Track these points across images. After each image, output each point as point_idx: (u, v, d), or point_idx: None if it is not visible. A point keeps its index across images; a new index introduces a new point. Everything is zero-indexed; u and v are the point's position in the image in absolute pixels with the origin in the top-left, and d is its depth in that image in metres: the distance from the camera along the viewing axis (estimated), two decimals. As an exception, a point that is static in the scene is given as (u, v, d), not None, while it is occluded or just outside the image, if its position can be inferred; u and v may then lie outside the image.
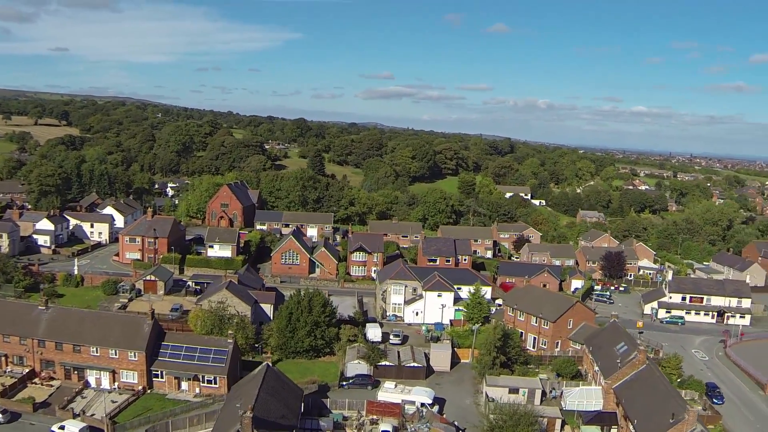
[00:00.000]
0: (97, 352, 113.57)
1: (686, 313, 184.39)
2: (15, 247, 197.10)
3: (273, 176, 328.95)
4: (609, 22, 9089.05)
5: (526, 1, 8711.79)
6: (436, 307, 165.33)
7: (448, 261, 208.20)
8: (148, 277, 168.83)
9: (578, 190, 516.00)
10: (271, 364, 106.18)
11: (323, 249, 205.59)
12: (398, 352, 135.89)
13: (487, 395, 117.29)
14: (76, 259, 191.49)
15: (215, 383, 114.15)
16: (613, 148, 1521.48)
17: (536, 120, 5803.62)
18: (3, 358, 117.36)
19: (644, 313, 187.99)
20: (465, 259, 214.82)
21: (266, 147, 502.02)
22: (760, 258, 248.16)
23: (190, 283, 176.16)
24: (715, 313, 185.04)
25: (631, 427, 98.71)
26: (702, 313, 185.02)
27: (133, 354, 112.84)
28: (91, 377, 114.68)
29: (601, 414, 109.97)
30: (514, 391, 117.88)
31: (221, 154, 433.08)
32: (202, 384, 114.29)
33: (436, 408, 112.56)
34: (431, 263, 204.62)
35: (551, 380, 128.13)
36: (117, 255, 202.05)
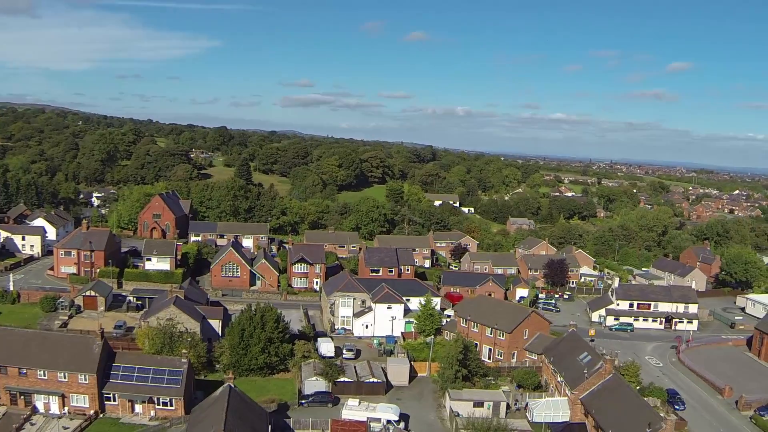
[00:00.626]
0: (45, 376, 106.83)
1: (634, 319, 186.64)
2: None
3: (203, 186, 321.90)
4: (527, 30, 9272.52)
5: (444, 9, 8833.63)
6: (387, 320, 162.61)
7: (390, 271, 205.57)
8: (87, 293, 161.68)
9: (506, 198, 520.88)
10: (233, 385, 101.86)
11: (263, 260, 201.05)
12: (355, 367, 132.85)
13: (451, 410, 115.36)
14: (11, 275, 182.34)
15: (171, 405, 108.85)
16: (532, 154, 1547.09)
17: (455, 127, 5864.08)
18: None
19: (593, 320, 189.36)
20: (407, 269, 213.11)
21: (191, 155, 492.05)
22: (698, 263, 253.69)
23: (131, 298, 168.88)
24: (663, 320, 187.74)
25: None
26: (650, 319, 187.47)
27: (83, 376, 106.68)
28: (39, 402, 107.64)
29: (570, 425, 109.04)
30: (478, 404, 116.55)
31: (147, 162, 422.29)
32: (157, 406, 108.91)
33: (402, 425, 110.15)
34: (374, 274, 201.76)
35: (513, 392, 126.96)
36: (52, 269, 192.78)
